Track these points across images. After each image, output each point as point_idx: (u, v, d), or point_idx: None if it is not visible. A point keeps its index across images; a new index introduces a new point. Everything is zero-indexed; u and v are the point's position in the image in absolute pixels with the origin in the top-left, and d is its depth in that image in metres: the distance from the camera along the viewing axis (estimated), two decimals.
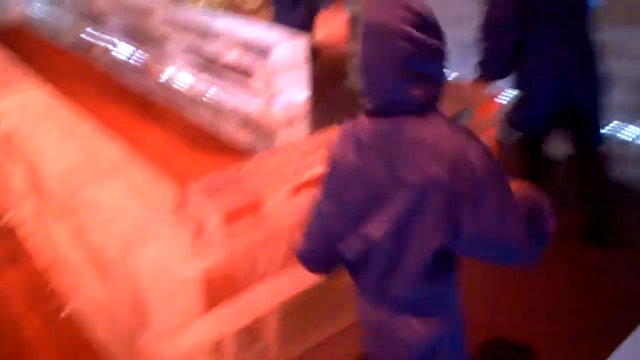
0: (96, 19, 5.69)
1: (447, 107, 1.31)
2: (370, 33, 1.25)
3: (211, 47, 4.03)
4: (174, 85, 4.66)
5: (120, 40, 5.38)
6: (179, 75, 4.57)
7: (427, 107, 1.27)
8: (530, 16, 2.59)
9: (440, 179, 1.20)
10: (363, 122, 1.34)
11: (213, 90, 4.18)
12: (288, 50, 3.47)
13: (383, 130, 1.29)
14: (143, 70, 5.09)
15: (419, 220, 1.25)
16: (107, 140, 2.57)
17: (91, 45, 6.01)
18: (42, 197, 2.57)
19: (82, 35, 6.14)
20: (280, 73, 3.47)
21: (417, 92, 1.24)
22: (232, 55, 3.81)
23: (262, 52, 3.49)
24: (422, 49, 1.21)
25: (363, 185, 1.33)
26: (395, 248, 1.30)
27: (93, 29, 5.85)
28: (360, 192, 1.34)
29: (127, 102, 5.05)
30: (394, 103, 1.26)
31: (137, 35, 5.03)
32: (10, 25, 7.69)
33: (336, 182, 1.40)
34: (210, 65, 4.12)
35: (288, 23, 3.88)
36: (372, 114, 1.31)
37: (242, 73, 3.76)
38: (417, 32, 1.20)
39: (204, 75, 4.24)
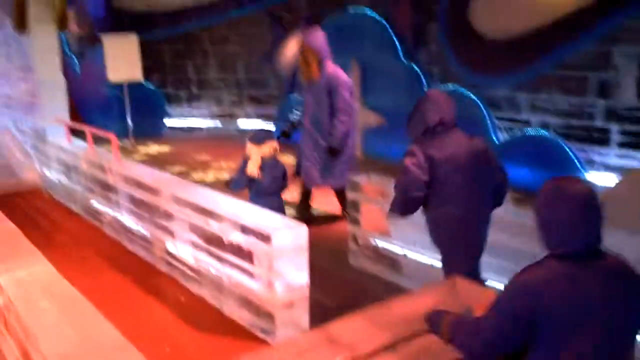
0: (107, 188, 5.94)
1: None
2: (574, 200, 1.91)
3: (214, 227, 4.17)
4: (178, 259, 4.75)
5: (128, 210, 5.58)
6: (183, 250, 4.67)
7: None
8: None
9: None
10: (558, 267, 1.93)
11: (215, 267, 4.25)
12: (289, 236, 3.59)
13: (602, 267, 1.94)
14: (149, 241, 5.22)
15: None
16: (106, 321, 2.59)
17: (100, 212, 6.21)
18: None
19: (93, 202, 6.37)
20: (281, 258, 3.56)
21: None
22: (234, 237, 3.92)
23: (264, 237, 3.60)
24: None
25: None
26: None
27: (103, 197, 6.09)
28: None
29: (132, 270, 5.14)
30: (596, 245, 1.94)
31: (145, 209, 5.22)
32: (27, 185, 8.04)
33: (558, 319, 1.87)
34: (213, 244, 4.23)
35: None
36: (575, 257, 1.92)
37: (244, 254, 3.86)
38: None
39: (207, 253, 4.34)
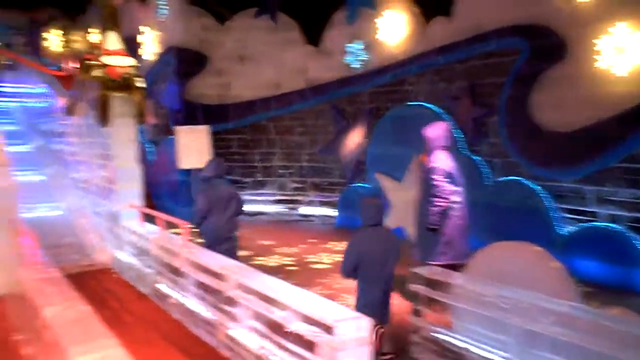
0: (175, 272, 6.16)
1: None
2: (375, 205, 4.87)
3: (277, 315, 4.25)
4: (240, 345, 4.82)
5: (194, 294, 5.75)
6: (245, 336, 4.75)
7: None
8: None
9: None
10: (365, 232, 4.78)
11: (277, 355, 4.29)
12: (352, 328, 3.61)
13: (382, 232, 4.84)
14: (213, 325, 5.33)
15: None
16: None
17: (167, 295, 6.41)
18: None
19: (161, 284, 6.60)
20: (343, 350, 3.57)
21: None
22: (296, 326, 3.98)
23: (326, 327, 3.64)
24: None
25: None
26: None
27: (171, 280, 6.31)
28: None
29: (196, 354, 5.22)
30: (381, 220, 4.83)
31: (210, 294, 5.38)
32: (99, 265, 8.42)
33: None
34: (275, 331, 4.30)
35: None
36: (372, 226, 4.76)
37: (306, 344, 3.89)
38: None
39: (269, 340, 4.39)
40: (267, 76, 12.37)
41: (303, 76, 12.28)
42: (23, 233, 5.96)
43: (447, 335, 4.76)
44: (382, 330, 4.67)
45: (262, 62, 12.50)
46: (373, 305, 4.61)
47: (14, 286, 5.80)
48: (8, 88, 14.19)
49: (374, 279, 4.69)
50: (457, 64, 9.57)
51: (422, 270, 4.96)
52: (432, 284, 4.92)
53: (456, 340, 4.65)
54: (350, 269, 4.70)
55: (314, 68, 12.21)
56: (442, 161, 6.02)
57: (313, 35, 12.44)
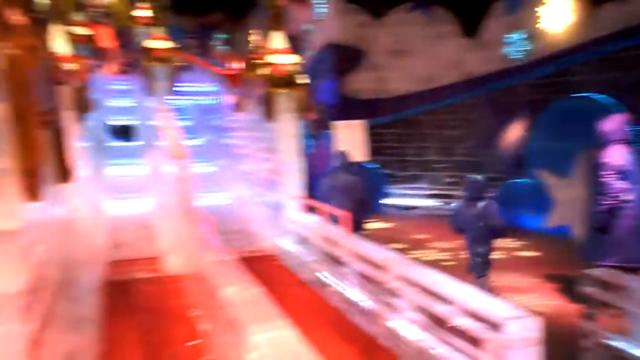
0: (336, 262, 6.39)
1: None
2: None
3: (440, 309, 4.25)
4: (401, 336, 4.89)
5: (354, 284, 5.93)
6: (406, 328, 4.81)
7: None
8: None
9: None
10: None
11: (439, 349, 4.30)
12: (521, 327, 3.52)
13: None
14: (372, 315, 5.46)
15: None
16: None
17: (328, 283, 6.67)
18: None
19: (322, 273, 6.88)
20: (511, 349, 3.49)
21: None
22: (461, 322, 3.96)
23: (494, 325, 3.58)
24: None
25: None
26: None
27: (332, 269, 6.55)
28: None
29: (355, 342, 5.36)
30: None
31: (370, 284, 5.52)
32: (263, 252, 8.98)
33: None
34: (437, 325, 4.31)
35: None
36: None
37: (471, 341, 3.86)
38: None
39: (431, 333, 4.42)
40: (422, 70, 12.29)
41: (459, 69, 12.03)
42: (201, 219, 6.53)
43: (623, 342, 4.43)
44: None
45: (417, 56, 12.44)
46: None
47: (193, 267, 6.40)
48: (183, 87, 15.53)
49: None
50: (632, 50, 8.78)
51: (595, 272, 4.67)
52: (604, 286, 4.61)
53: (634, 349, 4.32)
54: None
55: (470, 60, 11.90)
56: (615, 157, 5.67)
57: (469, 27, 12.13)
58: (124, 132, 12.09)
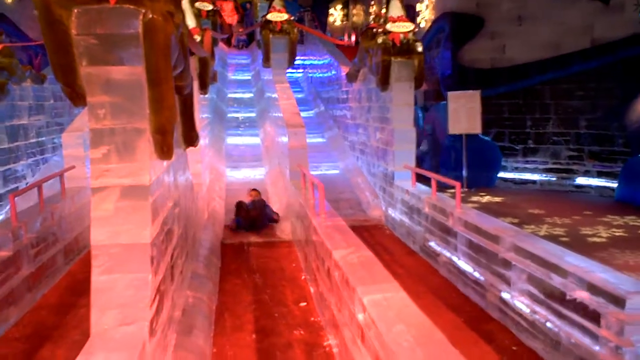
0: (446, 232, 6.34)
1: None
2: None
3: (556, 282, 4.11)
4: (512, 308, 4.79)
5: (464, 254, 5.86)
6: (519, 300, 4.70)
7: None
8: None
9: None
10: None
11: (553, 323, 4.17)
12: None
13: None
14: (483, 286, 5.38)
15: None
16: (458, 354, 2.76)
17: (437, 254, 6.64)
18: None
19: (431, 243, 6.85)
20: (634, 325, 3.32)
21: None
22: (578, 295, 3.81)
23: (615, 299, 3.42)
24: None
25: None
26: None
27: (441, 239, 6.51)
28: None
29: (464, 312, 5.34)
30: None
31: (480, 255, 5.42)
32: (372, 221, 9.10)
33: None
34: (553, 298, 4.17)
35: None
36: None
37: (588, 315, 3.71)
38: None
39: (545, 306, 4.28)
40: (545, 37, 11.60)
41: (587, 35, 11.22)
42: (314, 186, 6.71)
43: None
44: None
45: (541, 21, 11.74)
46: None
47: (304, 232, 6.62)
48: (299, 60, 15.85)
49: None
50: None
51: None
52: None
53: None
54: None
55: (600, 26, 11.06)
56: None
57: None
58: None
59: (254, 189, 9.11)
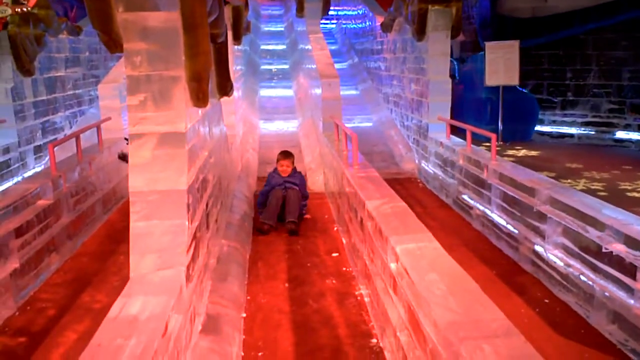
0: (480, 184, 6.27)
1: None
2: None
3: (592, 234, 4.05)
4: (546, 261, 4.77)
5: (498, 207, 5.81)
6: (553, 253, 4.67)
7: None
8: None
9: None
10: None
11: (587, 276, 4.14)
12: None
13: None
14: (516, 239, 5.35)
15: None
16: (491, 302, 2.76)
17: (470, 206, 6.60)
18: (417, 340, 2.91)
19: (464, 195, 6.81)
20: None
21: None
22: (615, 248, 3.76)
23: None
24: None
25: None
26: None
27: (475, 192, 6.45)
28: None
29: (497, 265, 5.32)
30: None
31: (516, 208, 5.37)
32: (406, 174, 9.07)
33: None
34: (588, 251, 4.13)
35: None
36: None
37: (624, 269, 3.67)
38: None
39: (580, 260, 4.25)
40: None
41: None
42: (347, 137, 6.69)
43: None
44: None
45: None
46: None
47: (337, 183, 6.64)
48: (333, 10, 15.56)
49: None
50: None
51: None
52: None
53: None
54: None
55: None
56: None
57: None
58: None
59: (286, 155, 6.92)
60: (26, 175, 8.41)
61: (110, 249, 5.77)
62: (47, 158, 9.02)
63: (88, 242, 6.06)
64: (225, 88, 5.30)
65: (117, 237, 5.97)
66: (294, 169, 6.94)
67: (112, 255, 5.59)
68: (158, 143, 3.32)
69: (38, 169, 8.82)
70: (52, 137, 9.65)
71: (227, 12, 7.97)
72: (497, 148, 6.66)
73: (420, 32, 8.19)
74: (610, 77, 11.08)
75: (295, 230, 6.24)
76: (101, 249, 5.83)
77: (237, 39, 8.70)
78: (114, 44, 3.41)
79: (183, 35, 3.33)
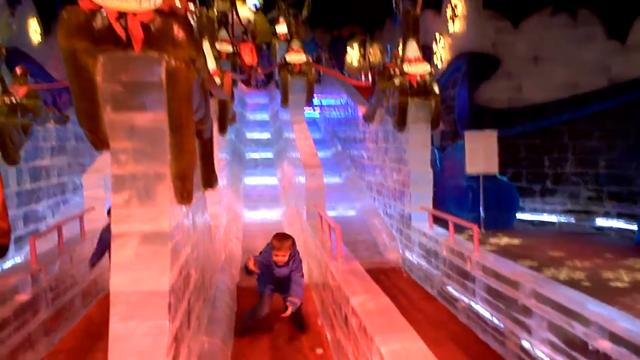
0: (464, 276, 6.26)
1: None
2: None
3: (578, 330, 4.02)
4: (533, 357, 4.69)
5: (483, 300, 5.77)
6: (539, 349, 4.60)
7: None
8: None
9: None
10: None
11: None
12: None
13: None
14: (502, 334, 5.28)
15: None
16: None
17: (455, 299, 6.55)
18: None
19: (449, 287, 6.77)
20: None
21: None
22: (601, 345, 3.72)
23: (638, 350, 3.33)
24: None
25: None
26: None
27: (459, 284, 6.43)
28: None
29: None
30: None
31: (500, 300, 5.34)
32: (390, 264, 9.02)
33: None
34: (573, 347, 4.08)
35: None
36: None
37: None
38: None
39: (566, 356, 4.19)
40: (562, 77, 11.66)
41: (604, 75, 11.26)
42: (331, 228, 6.70)
43: None
44: None
45: (558, 61, 11.83)
46: None
47: (321, 276, 6.58)
48: (317, 100, 16.03)
49: None
50: None
51: None
52: None
53: None
54: None
55: (618, 65, 11.10)
56: None
57: (618, 29, 11.32)
58: None
59: (282, 242, 5.66)
60: (5, 266, 8.23)
61: (88, 345, 5.58)
62: (27, 248, 8.87)
63: (66, 337, 5.86)
64: (210, 181, 5.35)
65: (95, 333, 5.79)
66: (291, 253, 5.75)
67: (90, 352, 5.40)
68: (141, 241, 3.31)
69: (18, 259, 8.64)
70: (33, 226, 9.55)
71: (213, 105, 8.18)
72: (480, 236, 6.70)
73: (401, 123, 8.45)
74: (587, 165, 11.40)
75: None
76: (79, 345, 5.63)
77: (223, 130, 8.88)
78: (100, 142, 3.46)
79: (169, 135, 3.40)
